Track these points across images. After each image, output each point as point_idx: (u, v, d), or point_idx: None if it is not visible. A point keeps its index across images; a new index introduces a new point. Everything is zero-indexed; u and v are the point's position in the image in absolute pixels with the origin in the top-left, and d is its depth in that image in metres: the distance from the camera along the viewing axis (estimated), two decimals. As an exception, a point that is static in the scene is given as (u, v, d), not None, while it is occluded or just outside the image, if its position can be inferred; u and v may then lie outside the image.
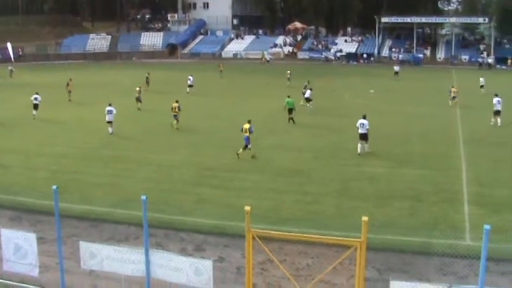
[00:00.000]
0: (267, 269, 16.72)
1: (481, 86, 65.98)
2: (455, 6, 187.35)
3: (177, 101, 40.86)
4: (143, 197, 13.63)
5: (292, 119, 43.63)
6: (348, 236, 14.80)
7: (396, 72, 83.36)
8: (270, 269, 16.58)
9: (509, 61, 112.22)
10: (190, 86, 63.30)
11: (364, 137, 33.36)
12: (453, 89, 54.38)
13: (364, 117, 33.83)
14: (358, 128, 33.49)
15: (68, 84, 57.17)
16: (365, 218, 12.40)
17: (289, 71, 68.22)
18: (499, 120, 42.86)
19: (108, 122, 39.47)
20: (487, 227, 12.03)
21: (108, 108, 39.51)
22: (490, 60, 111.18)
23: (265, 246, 13.57)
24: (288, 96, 45.02)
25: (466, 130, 40.48)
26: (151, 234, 15.73)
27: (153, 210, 16.49)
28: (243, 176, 28.40)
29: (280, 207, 23.33)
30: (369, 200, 24.32)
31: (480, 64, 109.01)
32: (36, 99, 46.25)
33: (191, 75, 65.06)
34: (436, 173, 28.96)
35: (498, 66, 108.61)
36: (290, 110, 44.00)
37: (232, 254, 18.37)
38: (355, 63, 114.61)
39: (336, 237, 14.45)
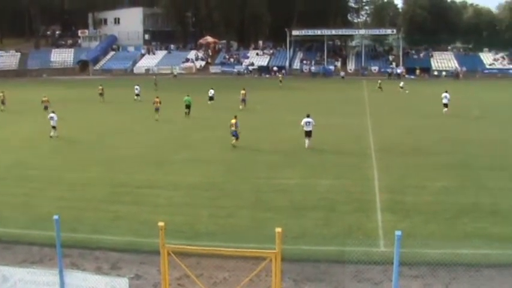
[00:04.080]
0: (183, 284, 16.62)
1: (401, 87, 70.95)
2: (364, 18, 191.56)
3: (235, 116, 40.45)
4: (55, 217, 13.38)
5: (187, 112, 54.80)
6: (263, 248, 14.89)
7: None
8: (187, 284, 16.48)
9: (417, 71, 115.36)
10: (137, 95, 69.43)
11: (309, 133, 37.75)
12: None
13: (308, 116, 37.99)
14: (303, 126, 37.89)
15: None
16: (278, 230, 12.50)
17: (243, 91, 65.37)
18: (446, 110, 55.69)
19: (53, 127, 43.49)
20: (398, 233, 12.30)
21: (51, 115, 44.24)
22: (399, 71, 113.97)
23: (182, 262, 13.52)
24: (187, 95, 55.94)
25: (377, 139, 41.35)
26: (66, 254, 15.47)
27: (66, 230, 16.22)
28: (157, 191, 28.13)
29: (195, 221, 23.22)
30: (283, 211, 24.47)
31: (389, 74, 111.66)
32: None
33: (138, 85, 70.87)
34: (349, 182, 29.41)
35: (407, 76, 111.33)
36: (187, 106, 55.03)
37: (148, 270, 18.19)
38: (267, 76, 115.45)
39: (251, 250, 14.52)
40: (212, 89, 66.81)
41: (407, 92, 77.46)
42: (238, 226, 22.64)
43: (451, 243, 19.79)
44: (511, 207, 25.09)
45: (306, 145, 37.69)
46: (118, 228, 22.53)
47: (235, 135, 39.10)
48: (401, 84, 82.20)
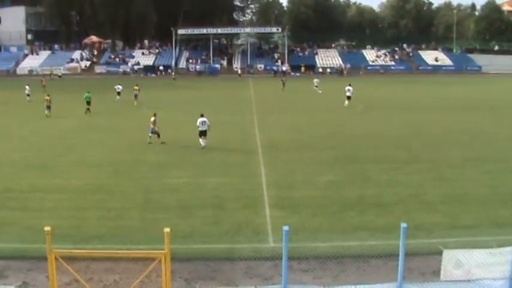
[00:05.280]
0: (73, 289, 16.37)
1: (316, 86, 71.96)
2: (250, 16, 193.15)
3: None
4: None
5: (88, 109, 55.69)
6: (153, 248, 14.85)
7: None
8: (76, 289, 16.25)
9: (302, 68, 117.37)
10: (28, 95, 67.97)
11: (204, 133, 37.69)
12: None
13: (202, 116, 37.96)
14: (198, 126, 37.69)
15: None
16: (167, 230, 12.52)
17: (136, 87, 67.15)
18: (348, 102, 59.54)
19: None
20: (285, 228, 12.57)
21: None
22: (285, 68, 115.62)
23: (71, 266, 13.32)
24: (88, 92, 57.08)
25: (264, 136, 41.86)
26: None
27: None
28: (43, 195, 27.35)
29: (83, 225, 22.79)
30: (172, 211, 24.38)
31: (275, 72, 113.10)
32: None
33: (28, 85, 69.95)
34: (237, 180, 29.63)
35: (293, 73, 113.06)
36: (88, 103, 55.98)
37: (36, 277, 17.72)
38: (153, 75, 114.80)
39: (140, 251, 14.46)
40: (120, 84, 68.76)
41: (320, 92, 77.10)
42: (128, 227, 22.39)
43: (338, 236, 20.26)
44: (395, 199, 25.95)
45: (202, 145, 37.55)
46: (3, 235, 21.81)
47: (154, 132, 39.23)
48: (316, 82, 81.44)
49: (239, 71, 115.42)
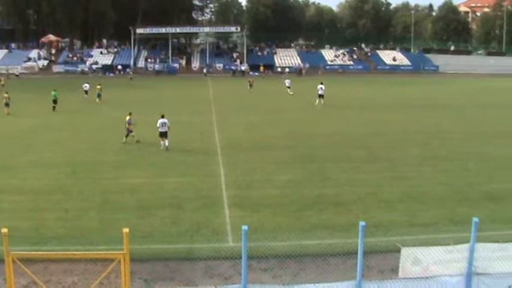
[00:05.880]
0: (31, 291, 16.21)
1: (288, 87, 71.52)
2: (209, 16, 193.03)
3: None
4: None
5: (54, 107, 56.28)
6: (112, 249, 14.78)
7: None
8: (34, 291, 16.09)
9: (261, 68, 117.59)
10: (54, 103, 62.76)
11: (164, 134, 37.17)
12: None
13: (163, 117, 37.58)
14: (159, 127, 37.21)
15: None
16: (126, 230, 12.47)
17: (99, 86, 67.91)
18: (322, 101, 59.69)
19: None
20: (244, 227, 12.61)
21: None
22: (244, 68, 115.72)
23: (28, 268, 13.20)
24: (54, 90, 57.78)
25: (222, 136, 41.86)
26: None
27: None
28: (0, 196, 27.16)
29: (41, 226, 22.54)
30: (131, 211, 24.25)
31: (234, 72, 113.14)
32: None
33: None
34: (196, 179, 29.58)
35: (251, 73, 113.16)
36: (54, 101, 56.65)
37: (-7, 280, 17.59)
38: (111, 74, 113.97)
39: (99, 252, 14.38)
40: (87, 83, 69.42)
41: (291, 93, 74.33)
42: (87, 228, 22.21)
43: (298, 234, 20.36)
44: (353, 198, 26.19)
45: (162, 147, 37.19)
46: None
47: (130, 132, 39.06)
48: (287, 83, 77.62)
49: (204, 71, 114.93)
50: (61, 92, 61.25)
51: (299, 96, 60.96)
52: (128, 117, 39.28)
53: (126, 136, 39.03)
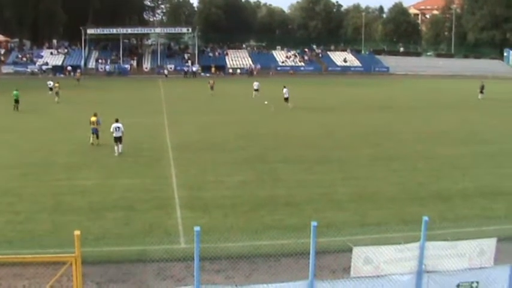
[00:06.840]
0: (-21, 296, 15.98)
1: (256, 90, 72.06)
2: (160, 17, 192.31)
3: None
4: None
5: (16, 107, 56.89)
6: (64, 252, 14.59)
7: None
8: (-17, 295, 15.86)
9: (213, 69, 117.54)
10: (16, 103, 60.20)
11: (119, 139, 36.07)
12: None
13: (117, 121, 36.55)
14: (112, 132, 36.12)
15: None
16: (77, 232, 12.36)
17: (57, 84, 68.77)
18: (289, 105, 59.95)
19: None
20: (196, 228, 12.61)
21: None
22: (195, 69, 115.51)
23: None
24: (16, 90, 57.92)
25: (174, 137, 41.72)
26: None
27: None
28: None
29: (-10, 229, 22.29)
30: (82, 213, 23.99)
31: (185, 73, 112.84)
32: None
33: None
34: (148, 181, 29.46)
35: (203, 74, 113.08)
36: (16, 101, 56.98)
37: None
38: (62, 75, 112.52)
39: (50, 255, 14.22)
40: (51, 81, 71.32)
41: (258, 96, 71.00)
42: (37, 231, 21.91)
43: (250, 235, 20.33)
44: (305, 198, 26.37)
45: (116, 153, 36.08)
46: None
47: (95, 132, 38.52)
48: (256, 85, 73.73)
49: (165, 72, 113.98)
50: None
51: (251, 98, 60.71)
52: (94, 118, 38.69)
53: (97, 137, 38.68)
